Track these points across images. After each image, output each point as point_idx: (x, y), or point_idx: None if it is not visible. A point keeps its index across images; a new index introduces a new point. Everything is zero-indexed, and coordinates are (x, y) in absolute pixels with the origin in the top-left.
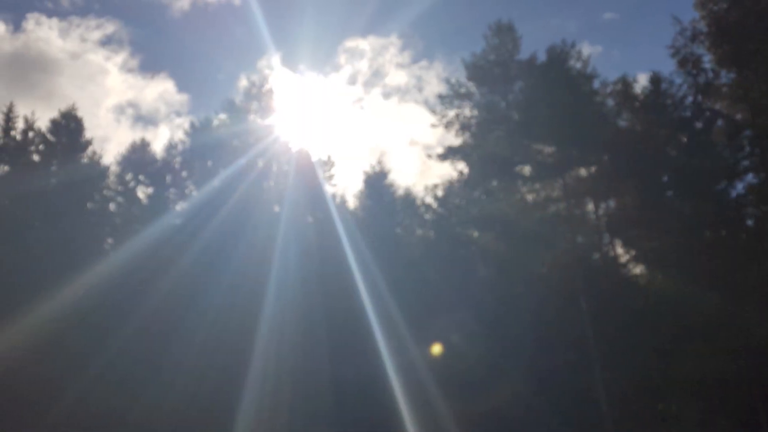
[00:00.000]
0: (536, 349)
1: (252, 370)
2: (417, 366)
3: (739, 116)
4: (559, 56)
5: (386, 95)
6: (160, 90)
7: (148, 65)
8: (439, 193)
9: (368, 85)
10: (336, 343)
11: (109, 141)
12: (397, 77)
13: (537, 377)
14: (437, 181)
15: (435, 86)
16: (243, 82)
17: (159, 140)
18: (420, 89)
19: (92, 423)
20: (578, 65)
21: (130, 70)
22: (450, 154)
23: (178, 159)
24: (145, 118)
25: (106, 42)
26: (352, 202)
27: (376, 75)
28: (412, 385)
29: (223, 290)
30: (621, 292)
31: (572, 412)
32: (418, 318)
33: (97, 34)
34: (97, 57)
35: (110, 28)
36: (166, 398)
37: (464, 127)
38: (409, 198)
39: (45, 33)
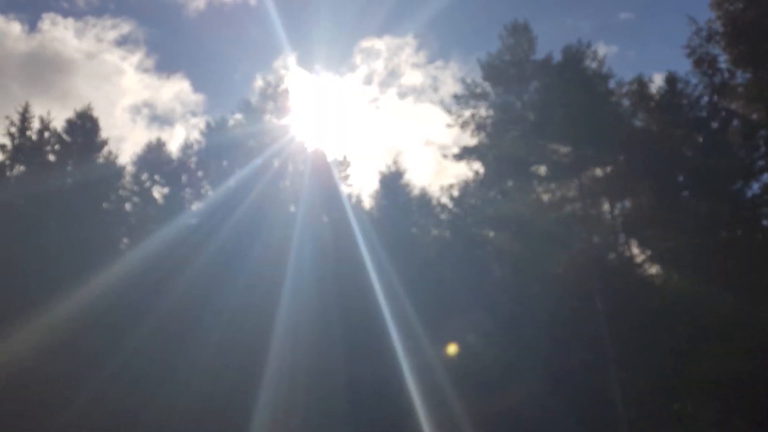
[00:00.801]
0: (551, 349)
1: (267, 371)
2: (432, 366)
3: (754, 116)
4: (574, 56)
5: (402, 95)
6: (175, 90)
7: (164, 65)
8: (455, 193)
9: (384, 85)
10: (351, 343)
11: (125, 141)
12: (413, 77)
13: (552, 377)
14: (453, 181)
15: (450, 86)
16: (259, 82)
17: (175, 140)
18: (435, 89)
19: (107, 423)
20: (594, 65)
21: (145, 70)
22: (465, 154)
23: (194, 159)
24: (160, 118)
25: (122, 42)
26: (367, 202)
27: (392, 75)
28: (428, 385)
29: (238, 290)
30: (636, 292)
31: (587, 412)
32: (434, 318)
33: (112, 34)
34: (113, 57)
35: (126, 28)
36: (181, 398)
37: (480, 127)
38: (424, 198)
39: (60, 33)
